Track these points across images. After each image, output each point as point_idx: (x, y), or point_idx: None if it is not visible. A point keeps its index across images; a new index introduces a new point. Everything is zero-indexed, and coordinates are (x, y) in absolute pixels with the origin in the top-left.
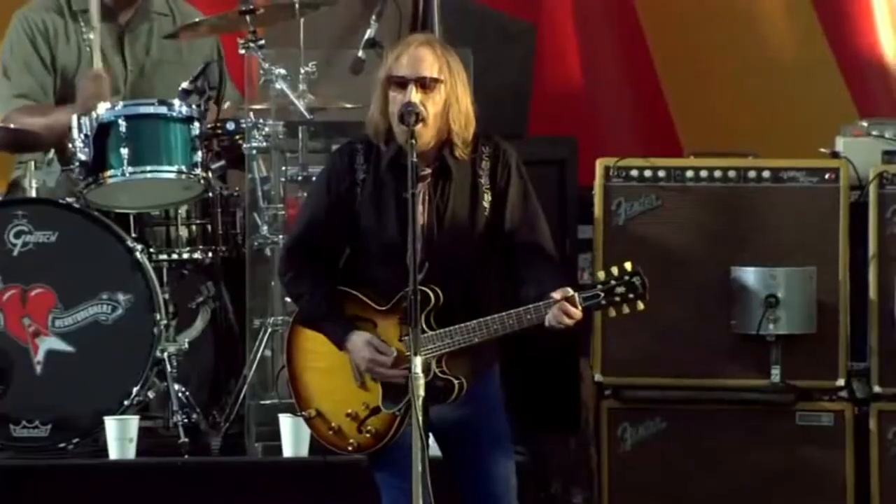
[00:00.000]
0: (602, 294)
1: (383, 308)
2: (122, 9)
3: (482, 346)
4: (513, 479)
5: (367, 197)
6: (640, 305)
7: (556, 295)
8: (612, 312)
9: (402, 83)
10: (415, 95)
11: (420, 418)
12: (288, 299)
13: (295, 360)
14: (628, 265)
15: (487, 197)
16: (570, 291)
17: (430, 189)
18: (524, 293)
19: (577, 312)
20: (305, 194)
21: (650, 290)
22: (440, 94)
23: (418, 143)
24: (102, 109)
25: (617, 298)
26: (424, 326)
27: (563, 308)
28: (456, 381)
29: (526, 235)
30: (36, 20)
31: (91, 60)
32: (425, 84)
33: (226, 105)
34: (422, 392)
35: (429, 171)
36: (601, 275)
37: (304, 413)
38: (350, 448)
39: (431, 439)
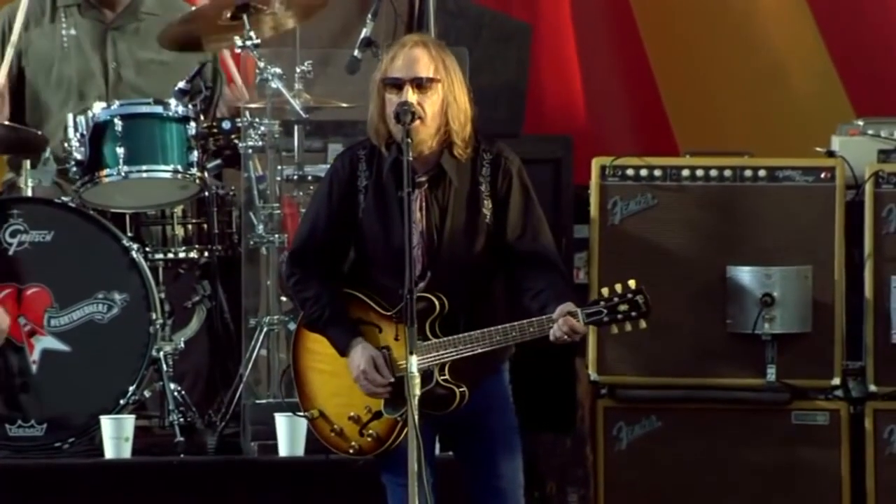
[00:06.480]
0: (605, 311)
1: (388, 313)
2: (108, 6)
3: (487, 351)
4: (520, 475)
5: (370, 204)
6: (643, 324)
7: (560, 311)
8: (615, 329)
9: (397, 84)
10: (411, 96)
11: (416, 417)
12: (284, 298)
13: (300, 359)
14: (632, 283)
15: (488, 204)
16: (574, 307)
17: (426, 196)
18: (527, 303)
19: (582, 328)
20: (306, 198)
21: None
22: (437, 93)
23: (415, 142)
24: (97, 108)
25: (619, 316)
26: (428, 334)
27: (568, 323)
28: (458, 390)
29: (528, 244)
30: (7, 13)
31: (69, 56)
32: (421, 84)
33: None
34: (417, 391)
35: (425, 178)
36: (605, 291)
37: (307, 413)
38: (351, 451)
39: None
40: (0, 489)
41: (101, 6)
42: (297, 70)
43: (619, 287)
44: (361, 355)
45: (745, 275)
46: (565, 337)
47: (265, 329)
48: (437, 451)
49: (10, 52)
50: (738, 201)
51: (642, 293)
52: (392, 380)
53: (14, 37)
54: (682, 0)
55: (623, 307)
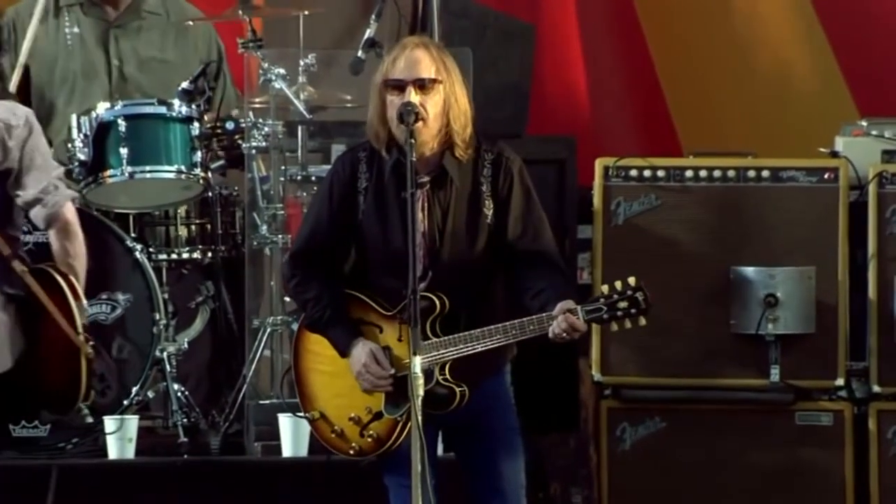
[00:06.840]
0: (605, 308)
1: (389, 313)
2: (110, 4)
3: (488, 351)
4: (522, 476)
5: (370, 206)
6: (642, 321)
7: (559, 308)
8: (615, 326)
9: (399, 86)
10: (413, 97)
11: (419, 418)
12: (287, 299)
13: (300, 361)
14: (632, 280)
15: (489, 204)
16: (573, 304)
17: (428, 196)
18: (528, 302)
19: (582, 325)
20: (310, 199)
21: (650, 290)
22: (439, 94)
23: (417, 143)
24: (101, 108)
25: (619, 313)
26: (429, 333)
27: (568, 321)
28: (458, 389)
29: (529, 244)
30: (11, 14)
31: (73, 53)
32: (423, 85)
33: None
34: (421, 392)
35: (427, 178)
36: (605, 289)
37: (307, 414)
38: (352, 452)
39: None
40: (4, 489)
41: (104, 4)
42: (301, 63)
43: (618, 284)
44: (362, 350)
45: (748, 275)
46: (564, 334)
47: (268, 329)
48: (439, 451)
49: (20, 63)
50: (742, 202)
51: (642, 290)
52: (392, 371)
53: (25, 46)
54: (685, 1)
55: (623, 304)
